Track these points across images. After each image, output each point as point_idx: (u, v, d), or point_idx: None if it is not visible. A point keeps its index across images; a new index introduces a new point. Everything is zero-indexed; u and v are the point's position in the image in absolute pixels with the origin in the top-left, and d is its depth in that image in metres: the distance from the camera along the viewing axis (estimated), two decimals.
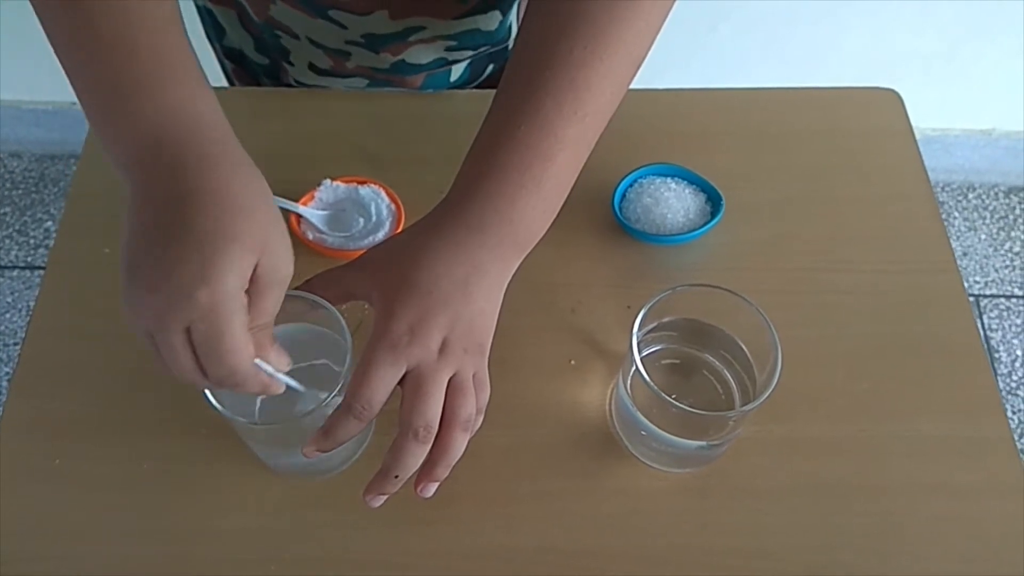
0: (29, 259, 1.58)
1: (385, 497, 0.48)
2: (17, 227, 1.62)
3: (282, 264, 0.43)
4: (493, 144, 0.49)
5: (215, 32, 0.81)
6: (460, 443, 0.47)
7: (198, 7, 0.80)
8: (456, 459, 0.48)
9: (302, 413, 0.49)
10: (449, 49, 0.72)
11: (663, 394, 0.48)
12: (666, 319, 0.54)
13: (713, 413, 0.52)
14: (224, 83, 0.89)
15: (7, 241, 1.60)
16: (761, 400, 0.48)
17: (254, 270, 0.41)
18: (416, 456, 0.46)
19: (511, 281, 0.62)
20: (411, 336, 0.46)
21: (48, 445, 0.57)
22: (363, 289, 0.49)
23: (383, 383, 0.46)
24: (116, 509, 0.55)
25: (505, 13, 0.69)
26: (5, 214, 1.64)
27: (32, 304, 1.51)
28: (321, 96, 0.74)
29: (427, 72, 0.75)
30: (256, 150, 0.70)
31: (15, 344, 1.49)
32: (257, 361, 0.43)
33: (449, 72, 0.77)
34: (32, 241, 1.60)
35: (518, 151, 0.48)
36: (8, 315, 1.52)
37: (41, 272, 1.57)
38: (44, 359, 0.60)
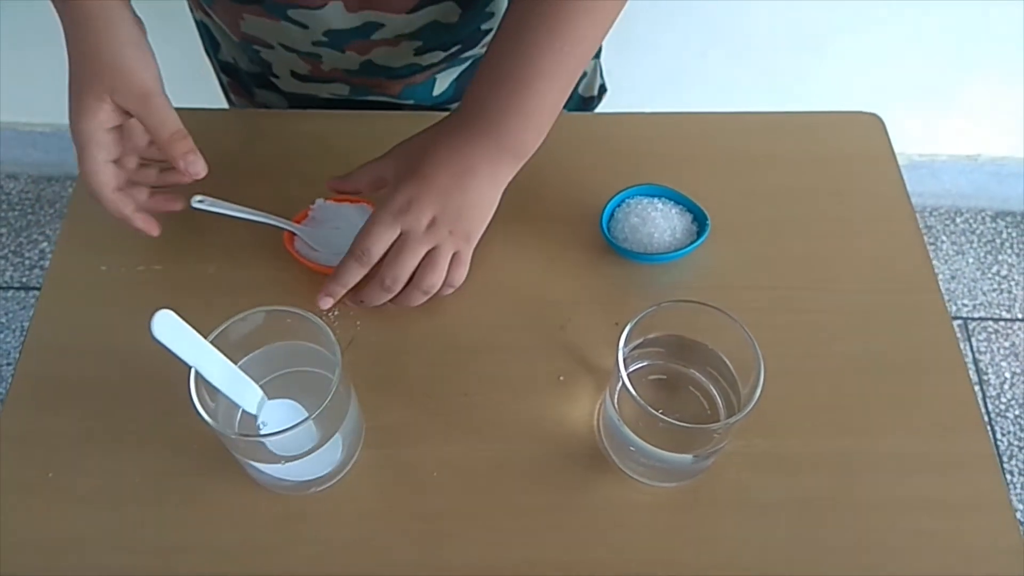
0: (24, 280, 1.59)
1: (330, 298, 0.60)
2: (12, 248, 1.63)
3: (133, 88, 0.56)
4: (487, 72, 0.59)
5: (211, 46, 0.83)
6: (415, 299, 0.60)
7: (196, 22, 0.82)
8: (403, 303, 0.61)
9: (285, 428, 0.49)
10: (418, 52, 0.73)
11: (649, 408, 0.49)
12: (652, 335, 0.55)
13: (698, 426, 0.53)
14: (221, 95, 0.90)
15: (2, 262, 1.61)
16: (745, 413, 0.49)
17: (115, 106, 0.56)
18: (376, 294, 0.59)
19: (501, 299, 0.64)
20: (407, 207, 0.58)
21: (41, 458, 0.57)
22: (386, 172, 0.62)
23: (380, 239, 0.58)
24: (107, 522, 0.55)
25: (465, 7, 0.70)
26: (1, 235, 1.64)
27: (27, 324, 1.52)
28: (315, 117, 0.76)
29: (403, 81, 0.77)
30: (252, 170, 0.72)
31: (8, 364, 1.50)
32: (198, 198, 0.62)
33: (432, 83, 0.78)
34: (27, 262, 1.61)
35: (504, 79, 0.58)
36: (2, 335, 1.52)
37: (36, 293, 1.57)
38: (39, 374, 0.61)
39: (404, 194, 0.58)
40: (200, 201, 0.63)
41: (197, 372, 0.48)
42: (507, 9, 0.60)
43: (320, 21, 0.68)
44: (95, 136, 0.57)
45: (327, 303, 0.59)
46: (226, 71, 0.84)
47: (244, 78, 0.83)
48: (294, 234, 0.65)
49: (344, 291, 0.59)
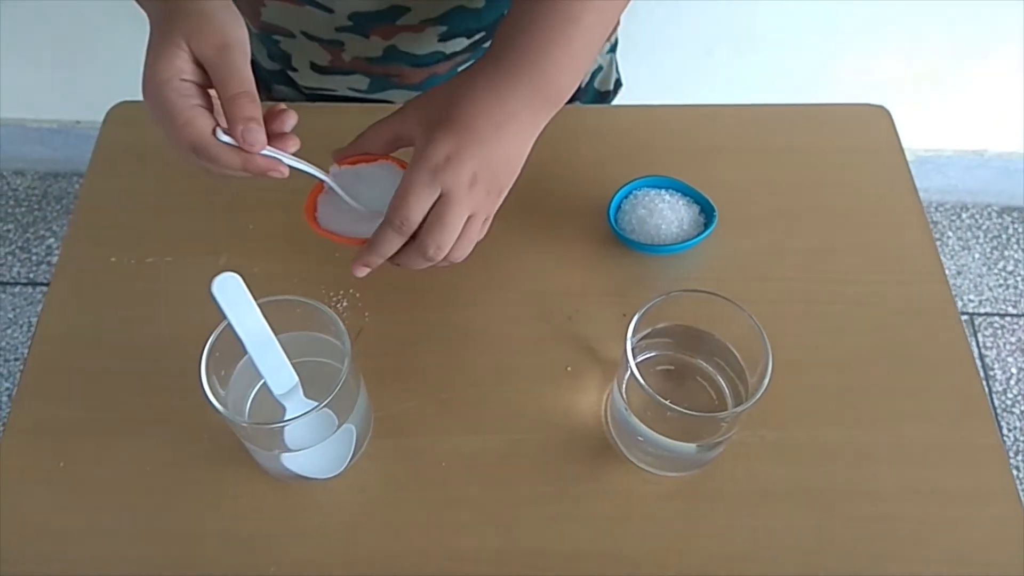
0: (31, 275, 1.60)
1: (366, 268, 0.54)
2: (20, 244, 1.63)
3: (211, 36, 0.49)
4: (524, 10, 0.54)
5: None
6: (424, 263, 0.54)
7: None
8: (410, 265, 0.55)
9: (292, 417, 0.50)
10: (442, 38, 0.73)
11: (657, 396, 0.50)
12: (660, 325, 0.56)
13: (705, 414, 0.53)
14: None
15: (9, 258, 1.62)
16: (752, 401, 0.49)
17: (192, 56, 0.50)
18: (417, 262, 0.54)
19: (509, 290, 0.64)
20: (447, 163, 0.51)
21: (53, 448, 0.58)
22: (407, 128, 0.55)
23: (420, 201, 0.51)
24: (118, 511, 0.56)
25: None
26: (8, 231, 1.65)
27: (34, 320, 1.52)
28: (333, 110, 0.76)
29: (427, 69, 0.76)
30: None
31: (15, 360, 1.50)
32: (267, 150, 0.50)
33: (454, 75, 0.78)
34: (34, 258, 1.62)
35: (550, 11, 0.53)
36: (9, 331, 1.53)
37: (43, 288, 1.58)
38: (49, 364, 0.61)
39: (441, 147, 0.51)
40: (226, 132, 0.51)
41: (236, 345, 0.49)
42: None
43: (346, 4, 0.68)
44: (172, 83, 0.49)
45: (363, 272, 0.54)
46: None
47: (263, 74, 0.82)
48: (315, 208, 0.58)
49: (381, 261, 0.54)
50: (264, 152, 0.50)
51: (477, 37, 0.75)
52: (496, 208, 0.55)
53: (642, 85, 0.90)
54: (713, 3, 1.30)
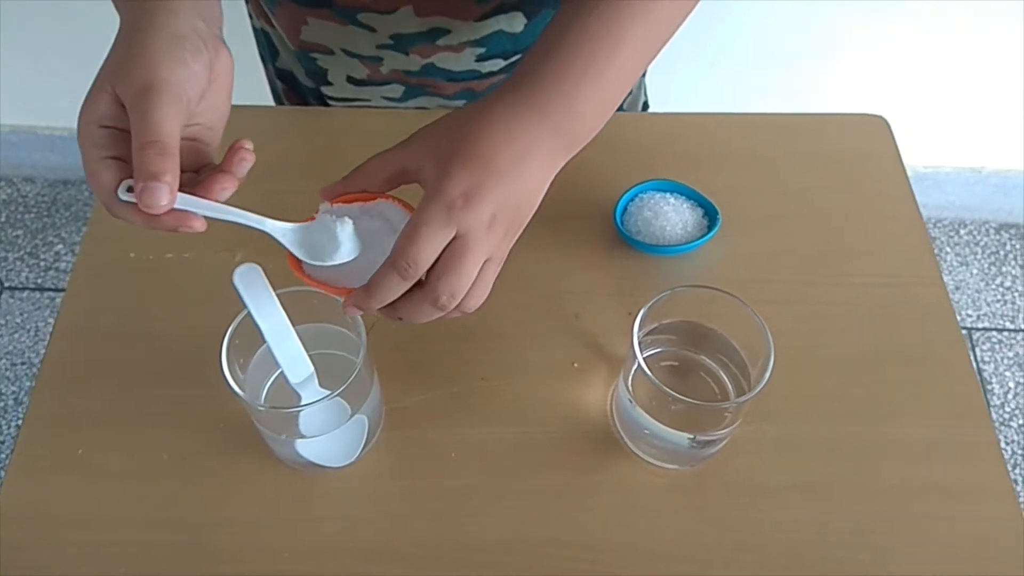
0: (39, 281, 1.61)
1: (358, 311, 0.48)
2: (28, 249, 1.65)
3: (135, 76, 0.44)
4: (561, 32, 0.49)
5: (269, 53, 0.84)
6: (434, 314, 0.48)
7: (255, 28, 0.84)
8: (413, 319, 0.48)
9: (307, 402, 0.51)
10: (480, 59, 0.74)
11: (663, 386, 0.51)
12: (665, 321, 0.57)
13: (709, 403, 0.55)
14: (272, 103, 0.92)
15: (18, 263, 1.63)
16: (755, 391, 0.51)
17: (116, 98, 0.44)
18: (424, 312, 0.47)
19: (519, 288, 0.65)
20: (465, 201, 0.45)
21: (71, 437, 0.59)
22: (416, 162, 0.48)
23: (432, 243, 0.45)
24: (135, 498, 0.57)
25: (531, 17, 0.70)
26: (17, 237, 1.67)
27: (42, 325, 1.54)
28: (359, 114, 0.78)
29: (462, 84, 0.77)
30: (297, 166, 0.73)
31: (23, 363, 1.51)
32: (182, 201, 0.44)
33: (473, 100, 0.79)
34: (43, 263, 1.63)
35: (586, 41, 0.49)
36: (17, 335, 1.54)
37: (51, 294, 1.60)
38: (68, 356, 0.63)
39: (458, 183, 0.45)
40: (128, 191, 0.44)
41: (255, 334, 0.49)
42: None
43: (389, 25, 0.69)
44: (89, 129, 0.45)
45: (354, 313, 0.48)
46: (282, 78, 0.85)
47: (300, 88, 0.84)
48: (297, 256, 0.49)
49: (378, 307, 0.47)
50: (177, 206, 0.44)
51: (514, 59, 0.75)
52: (508, 251, 0.49)
53: (648, 96, 0.92)
54: (715, 18, 1.33)
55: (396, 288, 0.46)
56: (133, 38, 0.46)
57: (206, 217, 0.45)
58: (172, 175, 0.42)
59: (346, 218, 0.48)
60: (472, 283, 0.46)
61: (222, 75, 0.48)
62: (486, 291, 0.48)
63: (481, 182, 0.46)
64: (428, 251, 0.45)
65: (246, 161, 0.47)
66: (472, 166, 0.46)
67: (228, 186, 0.46)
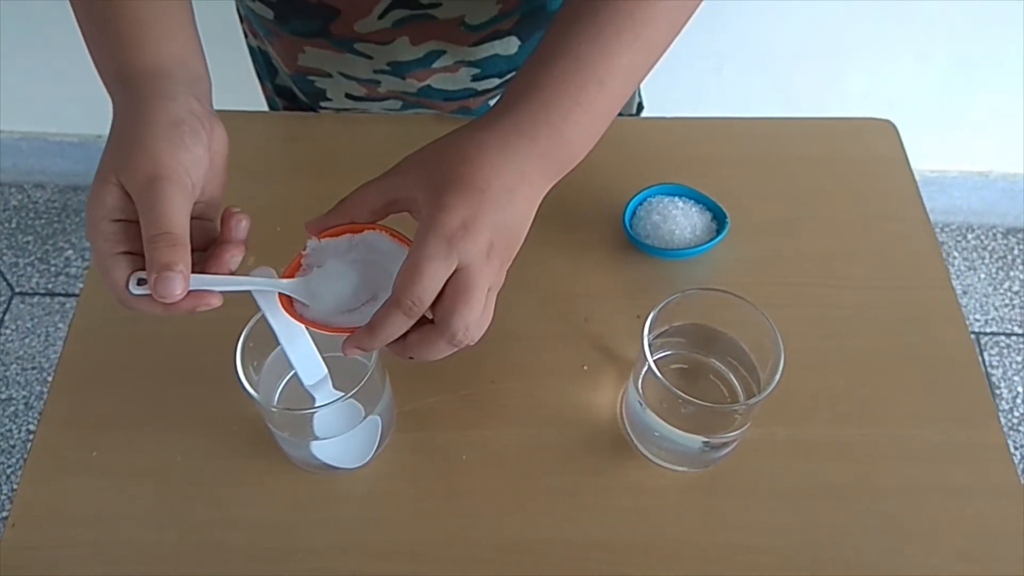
0: (50, 286, 1.62)
1: (360, 352, 0.48)
2: (39, 255, 1.66)
3: (140, 167, 0.44)
4: (551, 59, 0.49)
5: (267, 71, 0.85)
6: (446, 351, 0.47)
7: (251, 48, 0.84)
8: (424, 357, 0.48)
9: (320, 404, 0.52)
10: (475, 78, 0.75)
11: (673, 388, 0.51)
12: (675, 324, 0.58)
13: (719, 405, 0.55)
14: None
15: (28, 269, 1.65)
16: (765, 393, 0.51)
17: (123, 190, 0.45)
18: (440, 350, 0.47)
19: (529, 292, 0.66)
20: (464, 231, 0.44)
21: (86, 439, 0.60)
22: (406, 192, 0.48)
23: (435, 278, 0.44)
24: (149, 499, 0.58)
25: (525, 40, 0.72)
26: (28, 242, 1.68)
27: (52, 330, 1.55)
28: (354, 120, 0.79)
29: (459, 102, 0.78)
30: (290, 171, 0.75)
31: (33, 368, 1.52)
32: (193, 276, 0.44)
33: (486, 108, 0.80)
34: (53, 269, 1.65)
35: (575, 69, 0.49)
36: (28, 340, 1.55)
37: (61, 299, 1.61)
38: (84, 358, 0.64)
39: (456, 214, 0.44)
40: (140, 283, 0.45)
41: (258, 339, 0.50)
42: (563, 4, 0.52)
43: (385, 54, 0.71)
44: (99, 226, 0.45)
45: (354, 354, 0.47)
46: (282, 95, 0.86)
47: (301, 104, 0.84)
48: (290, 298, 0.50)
49: (380, 346, 0.47)
50: (192, 287, 0.44)
51: (508, 77, 0.76)
52: (505, 276, 0.48)
53: (655, 100, 0.92)
54: (721, 23, 1.33)
55: (401, 327, 0.45)
56: (132, 127, 0.46)
57: (221, 292, 0.47)
58: (184, 263, 0.43)
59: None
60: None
61: (219, 150, 0.49)
62: (489, 319, 0.47)
63: (477, 212, 0.45)
64: (432, 286, 0.44)
65: (242, 224, 0.48)
66: (468, 195, 0.45)
67: (235, 253, 0.47)
